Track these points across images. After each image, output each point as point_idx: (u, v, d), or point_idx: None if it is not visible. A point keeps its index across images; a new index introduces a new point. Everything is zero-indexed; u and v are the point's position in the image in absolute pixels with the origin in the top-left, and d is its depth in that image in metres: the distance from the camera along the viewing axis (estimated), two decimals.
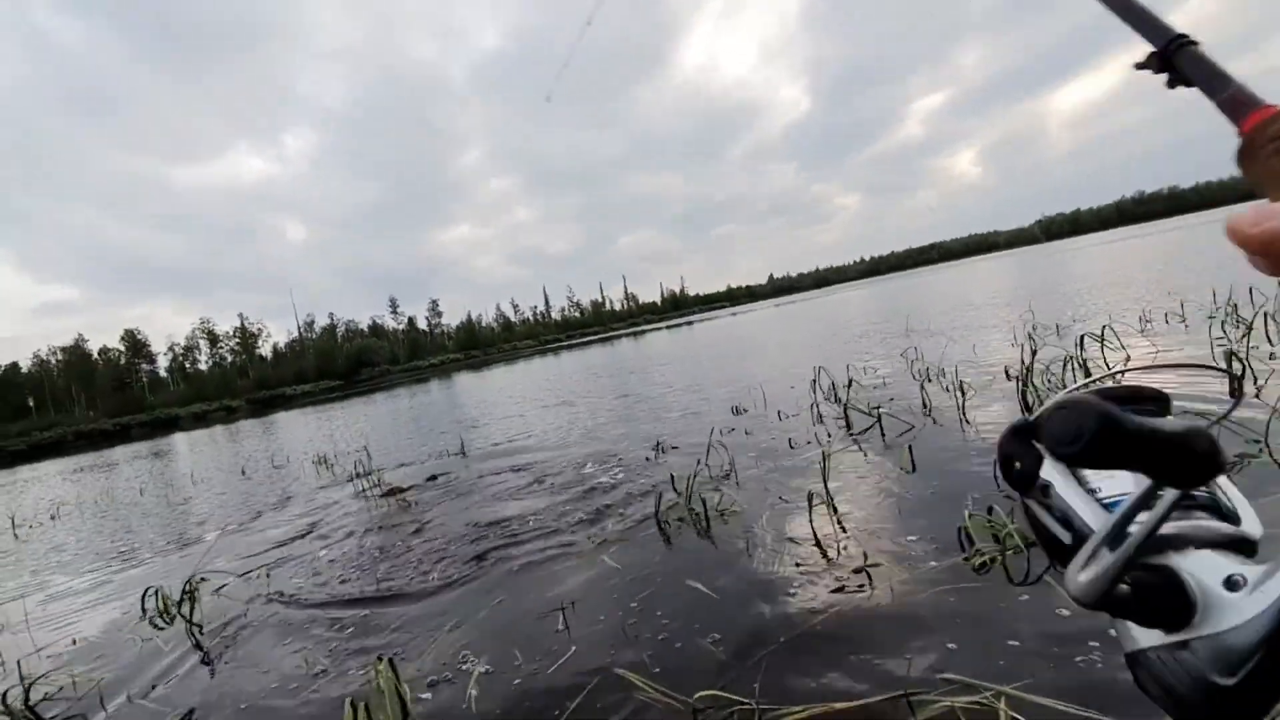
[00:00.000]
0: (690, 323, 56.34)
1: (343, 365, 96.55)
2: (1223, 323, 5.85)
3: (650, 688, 2.00)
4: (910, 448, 4.00)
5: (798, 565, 2.74)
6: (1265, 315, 5.33)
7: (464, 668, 2.40)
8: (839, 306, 28.34)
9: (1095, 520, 0.43)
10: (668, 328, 54.57)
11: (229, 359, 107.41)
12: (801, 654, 2.09)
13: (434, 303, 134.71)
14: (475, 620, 2.84)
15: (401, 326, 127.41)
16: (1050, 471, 0.46)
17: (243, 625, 3.40)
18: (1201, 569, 0.37)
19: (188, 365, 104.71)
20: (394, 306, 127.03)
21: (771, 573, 2.71)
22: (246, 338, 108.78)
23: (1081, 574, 0.38)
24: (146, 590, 3.94)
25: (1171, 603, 0.37)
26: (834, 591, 2.43)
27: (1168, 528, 0.39)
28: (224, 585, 4.17)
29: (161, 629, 3.61)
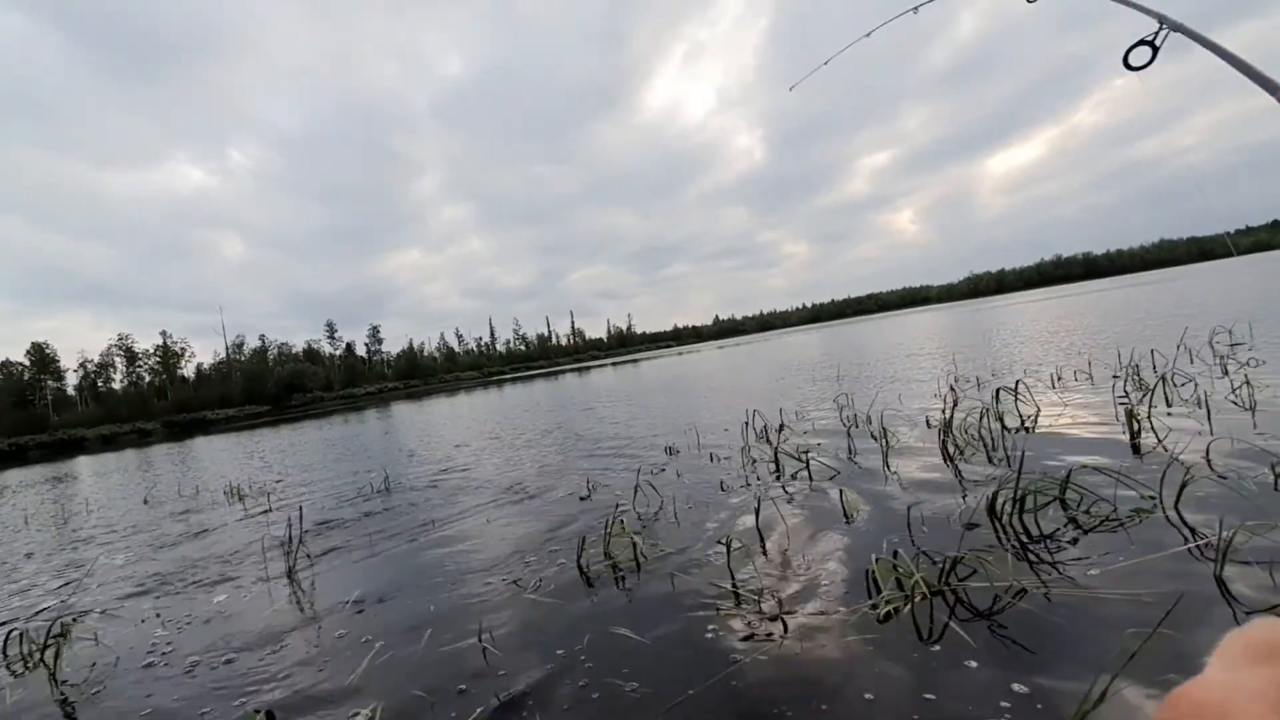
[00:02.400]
0: (636, 361, 56.65)
1: (272, 390, 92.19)
2: (1125, 382, 6.24)
3: None
4: (843, 491, 4.07)
5: (718, 610, 2.70)
6: (1164, 378, 5.72)
7: None
8: (779, 350, 29.01)
9: None
10: (613, 365, 54.64)
11: (147, 379, 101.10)
12: (704, 710, 2.03)
13: (374, 329, 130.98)
14: (371, 672, 2.66)
15: (339, 352, 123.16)
16: None
17: (112, 674, 3.09)
18: None
19: (100, 384, 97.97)
20: (331, 331, 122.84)
21: (687, 619, 2.66)
22: (168, 356, 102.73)
23: None
24: (9, 633, 3.57)
25: None
26: (744, 639, 2.39)
27: None
28: (100, 629, 3.81)
29: (21, 675, 3.26)
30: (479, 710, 2.20)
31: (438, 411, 22.71)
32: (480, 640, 2.73)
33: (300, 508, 5.83)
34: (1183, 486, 2.98)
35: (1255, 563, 2.33)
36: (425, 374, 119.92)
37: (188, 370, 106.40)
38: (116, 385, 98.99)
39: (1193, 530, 2.71)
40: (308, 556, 4.63)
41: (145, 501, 9.65)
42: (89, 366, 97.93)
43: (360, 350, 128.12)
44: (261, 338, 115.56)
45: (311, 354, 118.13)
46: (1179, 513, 2.90)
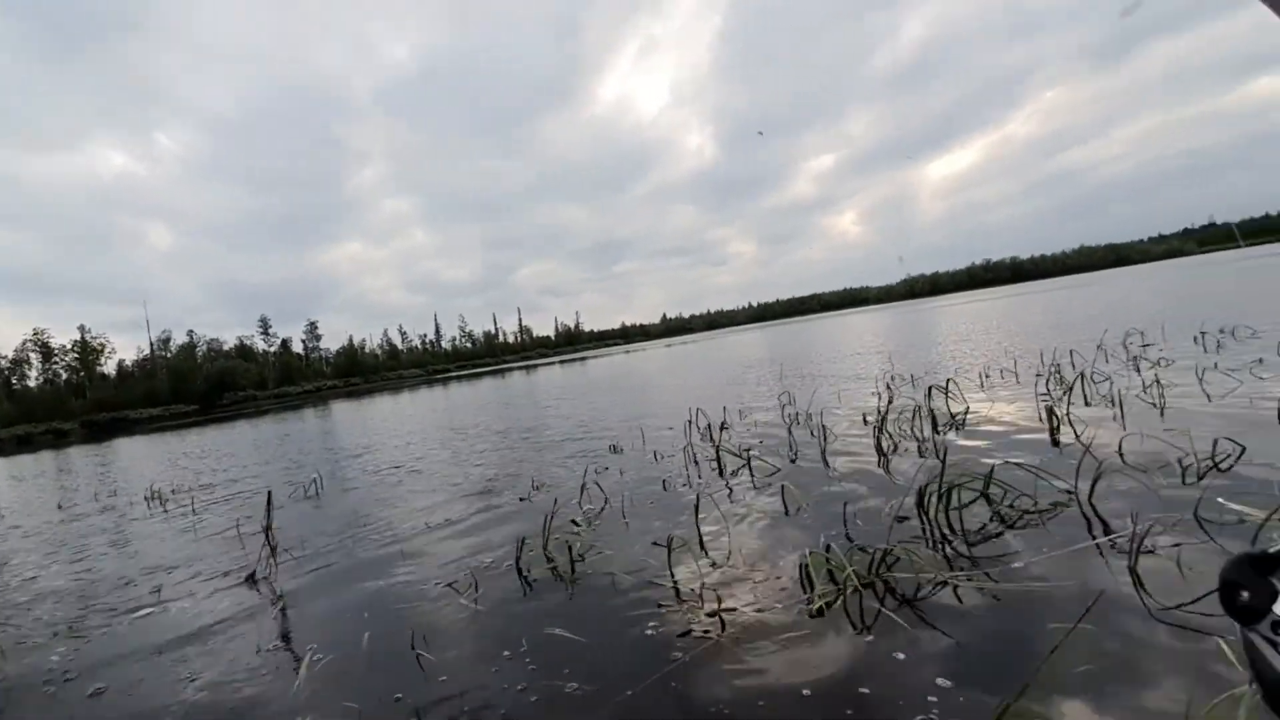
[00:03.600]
0: (584, 359, 56.37)
1: (201, 388, 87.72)
2: (1047, 381, 6.55)
3: None
4: (783, 488, 4.13)
5: (658, 608, 2.70)
6: (1082, 377, 6.03)
7: None
8: (726, 349, 29.39)
9: None
10: (561, 363, 54.21)
11: (64, 376, 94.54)
12: (644, 709, 2.02)
13: (312, 324, 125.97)
14: (305, 684, 2.55)
15: (273, 348, 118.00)
16: None
17: (20, 693, 2.87)
18: None
19: (14, 382, 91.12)
20: (265, 326, 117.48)
21: (627, 618, 2.65)
22: (87, 353, 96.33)
23: None
24: None
25: None
26: (683, 637, 2.40)
27: None
28: (7, 648, 3.52)
29: None
30: None
31: (380, 411, 22.07)
32: (414, 647, 2.65)
33: (270, 496, 5.55)
34: (1095, 480, 3.14)
35: (1165, 556, 2.47)
36: (367, 371, 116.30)
37: (108, 367, 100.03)
38: (32, 383, 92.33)
39: (1105, 523, 2.86)
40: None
41: (59, 507, 9.02)
42: (2, 363, 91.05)
43: (297, 347, 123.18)
44: (190, 333, 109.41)
45: (244, 350, 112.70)
46: (1093, 506, 3.05)
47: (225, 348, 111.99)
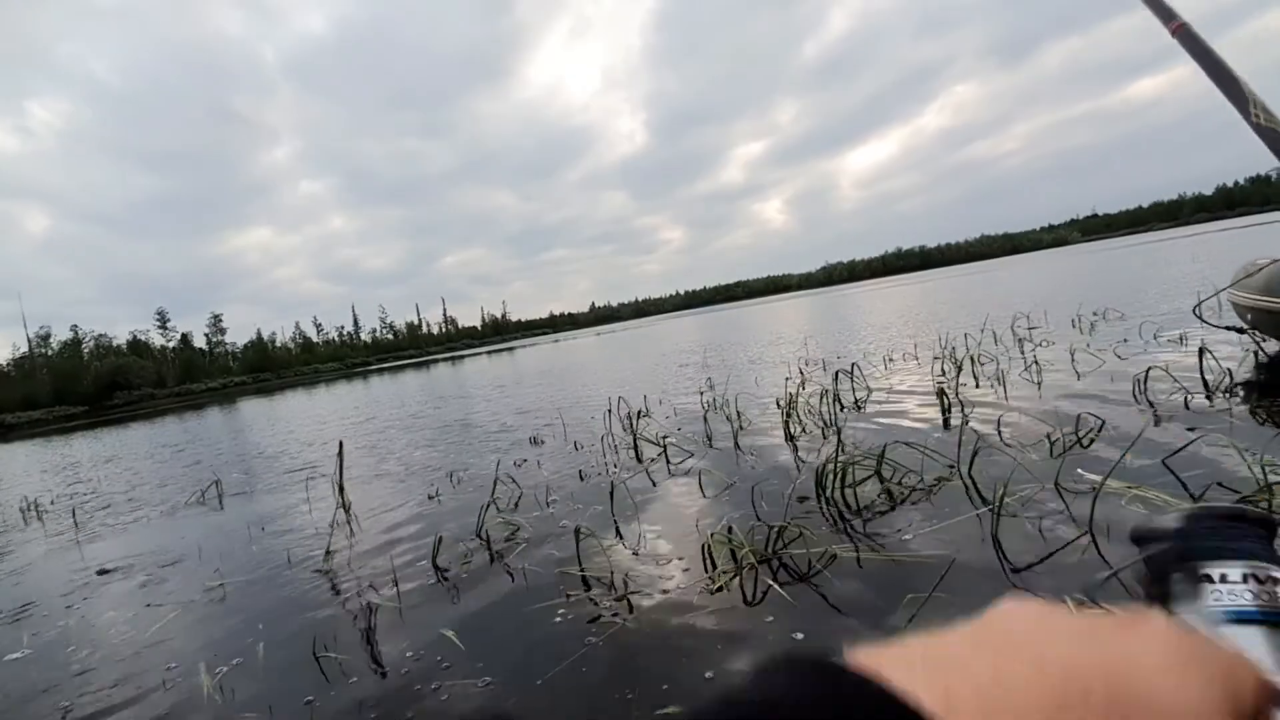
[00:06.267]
0: (512, 349, 55.55)
1: (90, 388, 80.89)
2: (942, 363, 7.01)
3: None
4: (698, 473, 4.27)
5: (568, 597, 2.75)
6: (971, 359, 6.49)
7: None
8: (653, 338, 29.71)
9: None
10: (488, 353, 53.23)
11: None
12: (554, 696, 2.07)
13: (216, 317, 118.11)
14: (209, 696, 2.46)
15: (172, 344, 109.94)
16: None
17: None
18: None
19: None
20: (163, 320, 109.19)
21: (540, 609, 2.68)
22: None
23: None
24: None
25: None
26: (591, 623, 2.46)
27: None
28: None
29: None
30: None
31: (292, 407, 21.07)
32: (321, 652, 2.59)
33: (341, 446, 5.19)
34: (974, 455, 3.41)
35: (1028, 522, 2.73)
36: (279, 366, 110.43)
37: None
38: None
39: (982, 496, 3.11)
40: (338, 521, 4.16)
41: None
42: None
43: (199, 341, 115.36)
44: (74, 328, 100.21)
45: (138, 346, 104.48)
46: (972, 480, 3.31)
47: (116, 344, 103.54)
